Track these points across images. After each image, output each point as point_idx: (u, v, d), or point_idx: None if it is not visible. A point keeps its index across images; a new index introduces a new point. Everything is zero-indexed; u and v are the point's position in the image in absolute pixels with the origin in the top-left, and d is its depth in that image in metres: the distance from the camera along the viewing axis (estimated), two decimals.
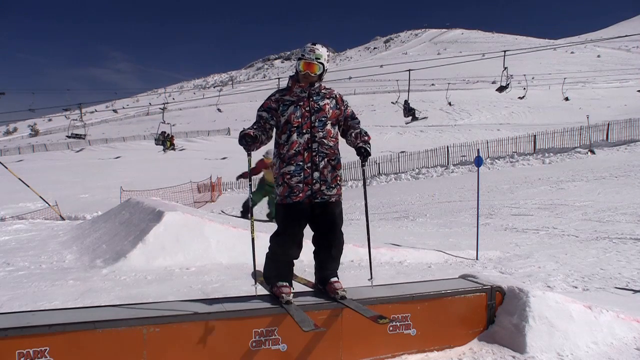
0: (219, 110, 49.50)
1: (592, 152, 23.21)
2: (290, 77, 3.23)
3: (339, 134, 3.30)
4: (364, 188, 3.64)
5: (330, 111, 3.18)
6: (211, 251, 6.29)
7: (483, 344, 3.42)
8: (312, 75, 3.12)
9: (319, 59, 3.11)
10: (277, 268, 3.24)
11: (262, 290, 3.27)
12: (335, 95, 3.27)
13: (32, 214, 18.58)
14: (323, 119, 3.14)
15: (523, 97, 34.25)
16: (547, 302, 3.41)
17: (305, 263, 6.39)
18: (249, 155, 3.15)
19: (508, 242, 8.57)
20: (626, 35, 27.56)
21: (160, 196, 19.31)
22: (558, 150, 24.83)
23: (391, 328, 3.23)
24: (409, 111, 22.99)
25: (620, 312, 3.65)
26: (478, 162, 7.92)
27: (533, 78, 61.79)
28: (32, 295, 4.85)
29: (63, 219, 16.40)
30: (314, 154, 3.10)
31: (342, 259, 6.81)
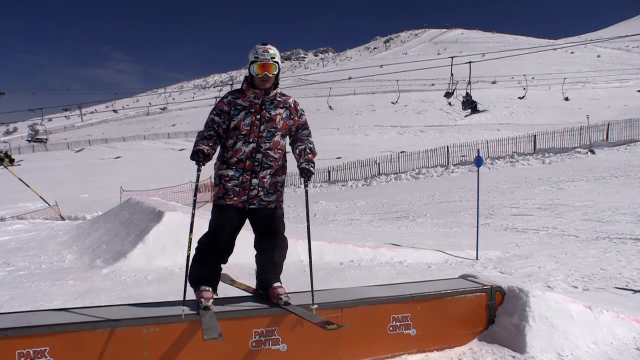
0: None
1: (592, 152, 23.21)
2: (245, 79, 3.07)
3: (287, 144, 3.18)
4: (307, 209, 3.34)
5: (281, 122, 3.07)
6: None
7: (483, 344, 3.42)
8: (270, 75, 2.98)
9: (274, 58, 2.98)
10: (201, 271, 3.07)
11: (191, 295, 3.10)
12: (290, 105, 3.14)
13: (32, 214, 18.58)
14: (272, 129, 3.03)
15: (523, 97, 34.27)
16: (547, 302, 3.41)
17: (305, 263, 6.41)
18: (199, 170, 2.97)
19: (508, 242, 8.57)
20: (626, 36, 27.59)
21: (160, 196, 19.29)
22: (558, 150, 24.83)
23: (391, 328, 3.23)
24: (470, 104, 22.60)
25: (620, 312, 3.66)
26: (478, 162, 7.93)
27: (533, 78, 61.75)
28: (32, 295, 4.85)
29: (63, 219, 16.40)
30: (256, 164, 3.00)
31: (342, 259, 6.84)
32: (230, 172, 3.01)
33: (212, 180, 3.14)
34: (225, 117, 3.04)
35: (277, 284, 3.12)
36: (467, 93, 22.15)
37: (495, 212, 12.50)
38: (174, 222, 6.63)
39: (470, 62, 20.46)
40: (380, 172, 27.26)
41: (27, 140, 33.03)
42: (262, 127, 3.01)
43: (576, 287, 5.38)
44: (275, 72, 3.01)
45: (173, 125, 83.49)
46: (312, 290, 3.04)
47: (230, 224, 3.05)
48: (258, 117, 3.01)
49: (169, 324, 2.73)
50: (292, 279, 5.55)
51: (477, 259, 7.08)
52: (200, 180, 2.98)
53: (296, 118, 3.16)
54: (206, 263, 3.09)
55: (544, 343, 3.25)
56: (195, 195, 3.15)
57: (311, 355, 3.03)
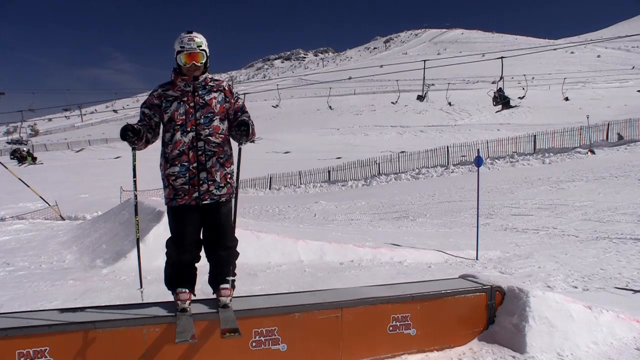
0: None
1: (592, 152, 23.21)
2: (173, 69, 2.95)
3: (227, 129, 3.02)
4: (237, 170, 3.01)
5: (218, 106, 2.94)
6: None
7: (483, 344, 3.42)
8: (198, 64, 2.89)
9: (201, 46, 2.88)
10: (175, 273, 3.02)
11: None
12: (224, 88, 3.02)
13: (32, 214, 18.58)
14: (209, 114, 2.90)
15: (523, 97, 34.21)
16: (547, 302, 3.41)
17: (305, 263, 6.41)
18: (134, 150, 2.88)
19: (508, 242, 8.57)
20: (626, 36, 27.58)
21: (160, 196, 19.28)
22: (558, 150, 24.83)
23: (391, 328, 3.23)
24: (502, 99, 22.29)
25: (620, 312, 3.66)
26: (478, 162, 7.93)
27: (533, 78, 61.68)
28: (32, 295, 4.86)
29: (63, 219, 16.41)
30: (199, 153, 2.87)
31: (342, 259, 6.84)
32: (176, 169, 2.88)
33: (162, 183, 3.01)
34: (156, 109, 2.92)
35: (223, 285, 3.01)
36: (499, 88, 21.85)
37: (495, 212, 12.50)
38: None
39: (502, 58, 20.44)
40: (380, 172, 27.26)
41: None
42: (197, 114, 2.89)
43: (576, 287, 5.38)
44: (203, 61, 2.92)
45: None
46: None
47: (190, 224, 2.95)
48: (192, 104, 2.89)
49: (169, 324, 2.73)
50: (292, 279, 5.56)
51: (477, 259, 7.08)
52: (136, 160, 2.94)
53: (232, 101, 3.02)
54: (178, 265, 3.02)
55: (544, 343, 3.25)
56: (134, 176, 3.05)
57: (311, 355, 3.03)
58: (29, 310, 3.06)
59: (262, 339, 2.90)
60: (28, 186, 17.45)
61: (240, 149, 3.00)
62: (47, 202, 17.91)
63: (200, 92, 2.93)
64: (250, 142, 3.03)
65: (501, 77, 20.28)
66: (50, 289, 5.10)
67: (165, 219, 6.66)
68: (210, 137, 2.90)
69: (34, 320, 2.56)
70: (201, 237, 3.05)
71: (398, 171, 26.80)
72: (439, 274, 5.83)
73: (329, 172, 28.17)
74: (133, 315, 2.73)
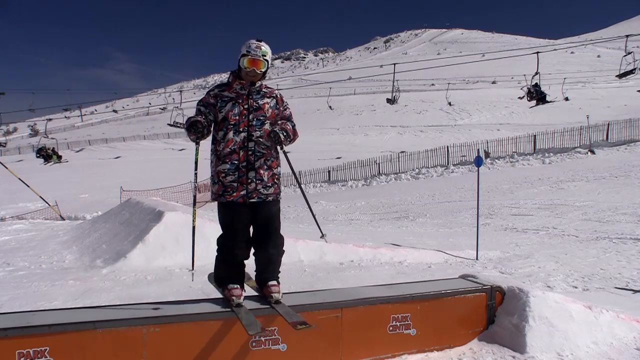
0: None
1: (592, 152, 23.20)
2: (232, 72, 3.12)
3: None
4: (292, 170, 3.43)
5: (270, 110, 3.10)
6: (211, 251, 6.27)
7: (483, 344, 3.42)
8: (258, 72, 3.03)
9: (265, 55, 3.03)
10: (226, 270, 3.13)
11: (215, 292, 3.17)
12: (276, 95, 3.19)
13: (32, 214, 18.59)
14: (261, 117, 3.06)
15: (523, 97, 34.17)
16: (547, 302, 3.41)
17: (305, 263, 6.41)
18: (197, 144, 3.05)
19: (508, 242, 8.57)
20: (626, 36, 27.52)
21: (160, 196, 19.30)
22: (558, 150, 24.83)
23: (391, 328, 3.23)
24: (539, 94, 22.08)
25: (620, 312, 3.65)
26: (478, 162, 7.92)
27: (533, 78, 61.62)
28: (32, 295, 4.85)
29: (63, 219, 16.41)
30: (249, 153, 3.02)
31: (342, 259, 6.84)
32: (226, 166, 3.02)
33: (211, 180, 3.15)
34: (211, 108, 3.06)
35: (271, 282, 3.12)
36: (535, 83, 21.75)
37: (495, 212, 12.50)
38: (174, 222, 6.62)
39: (537, 53, 20.45)
40: (380, 172, 27.27)
41: None
42: (250, 116, 3.03)
43: (576, 287, 5.38)
44: (264, 70, 3.06)
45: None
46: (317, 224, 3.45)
47: (239, 219, 3.06)
48: (246, 106, 3.03)
49: (169, 324, 2.73)
50: (292, 279, 5.55)
51: (477, 259, 7.08)
52: (200, 180, 3.01)
53: (281, 109, 3.19)
54: (229, 262, 3.13)
55: (544, 343, 3.25)
56: (196, 169, 3.21)
57: (311, 355, 3.03)
58: (29, 310, 3.05)
59: (262, 338, 2.90)
60: (28, 186, 17.44)
61: (284, 152, 3.27)
62: (47, 202, 17.91)
63: (254, 96, 3.08)
64: (287, 144, 3.17)
65: (536, 72, 20.23)
66: (50, 289, 5.10)
67: (165, 219, 6.67)
68: (260, 139, 3.05)
69: (34, 320, 2.55)
70: (250, 234, 3.15)
71: (398, 171, 26.81)
72: (439, 274, 5.83)
73: (329, 172, 28.17)
74: (133, 315, 2.73)
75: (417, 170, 26.02)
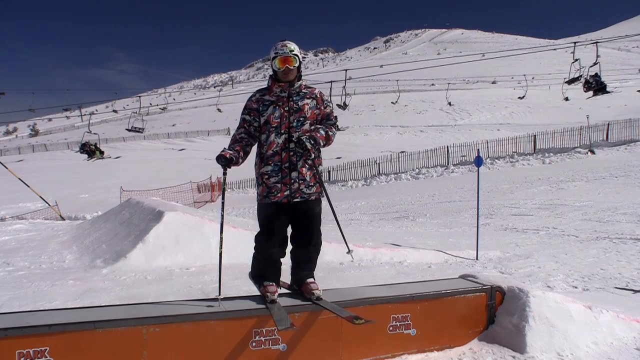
0: (219, 110, 49.57)
1: (592, 152, 23.20)
2: (270, 76, 3.22)
3: None
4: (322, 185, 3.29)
5: (310, 111, 3.17)
6: (211, 251, 6.29)
7: (483, 344, 3.42)
8: (291, 67, 3.10)
9: (293, 51, 3.10)
10: (262, 267, 3.24)
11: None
12: (316, 95, 3.25)
13: (32, 214, 18.59)
14: (301, 119, 3.14)
15: (523, 97, 34.26)
16: (547, 302, 3.41)
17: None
18: (225, 173, 3.15)
19: (508, 242, 8.57)
20: (626, 36, 27.56)
21: (160, 196, 19.31)
22: (558, 150, 24.83)
23: (391, 328, 3.23)
24: (598, 84, 21.86)
25: (620, 312, 3.65)
26: (478, 162, 7.93)
27: (533, 78, 61.69)
28: (32, 295, 4.86)
29: (63, 219, 16.41)
30: (291, 154, 3.09)
31: (342, 259, 6.83)
32: (269, 168, 3.10)
33: (256, 181, 3.25)
34: (255, 114, 3.16)
35: (310, 280, 3.22)
36: (595, 73, 21.61)
37: (495, 212, 12.50)
38: (174, 222, 6.63)
39: (596, 42, 20.47)
40: (380, 172, 27.26)
41: None
42: (291, 118, 3.12)
43: (576, 287, 5.38)
44: (296, 65, 3.13)
45: (173, 125, 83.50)
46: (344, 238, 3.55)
47: (278, 219, 3.14)
48: (286, 108, 3.12)
49: (169, 324, 2.73)
50: None
51: (477, 259, 7.08)
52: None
53: (322, 108, 3.25)
54: (265, 259, 3.22)
55: (544, 343, 3.25)
56: (223, 197, 3.26)
57: (311, 355, 3.03)
58: (29, 310, 3.05)
59: (262, 339, 2.90)
60: (28, 186, 17.45)
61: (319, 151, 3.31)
62: (47, 202, 17.91)
63: (294, 98, 3.16)
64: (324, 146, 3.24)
65: (595, 62, 20.22)
66: (50, 289, 5.10)
67: (165, 219, 6.67)
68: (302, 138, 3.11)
69: (34, 320, 2.55)
70: (287, 234, 3.25)
71: (398, 171, 26.81)
72: (439, 274, 5.83)
73: (328, 172, 28.16)
74: (133, 315, 2.72)
75: (417, 170, 26.02)
